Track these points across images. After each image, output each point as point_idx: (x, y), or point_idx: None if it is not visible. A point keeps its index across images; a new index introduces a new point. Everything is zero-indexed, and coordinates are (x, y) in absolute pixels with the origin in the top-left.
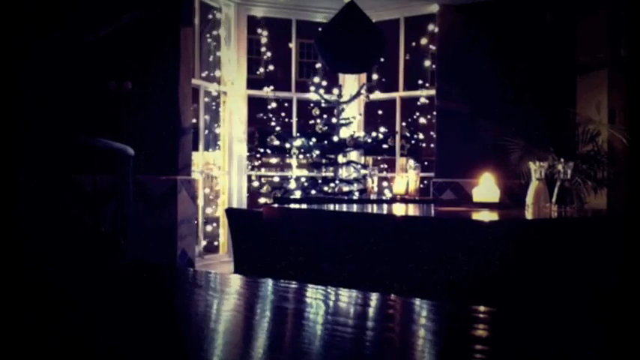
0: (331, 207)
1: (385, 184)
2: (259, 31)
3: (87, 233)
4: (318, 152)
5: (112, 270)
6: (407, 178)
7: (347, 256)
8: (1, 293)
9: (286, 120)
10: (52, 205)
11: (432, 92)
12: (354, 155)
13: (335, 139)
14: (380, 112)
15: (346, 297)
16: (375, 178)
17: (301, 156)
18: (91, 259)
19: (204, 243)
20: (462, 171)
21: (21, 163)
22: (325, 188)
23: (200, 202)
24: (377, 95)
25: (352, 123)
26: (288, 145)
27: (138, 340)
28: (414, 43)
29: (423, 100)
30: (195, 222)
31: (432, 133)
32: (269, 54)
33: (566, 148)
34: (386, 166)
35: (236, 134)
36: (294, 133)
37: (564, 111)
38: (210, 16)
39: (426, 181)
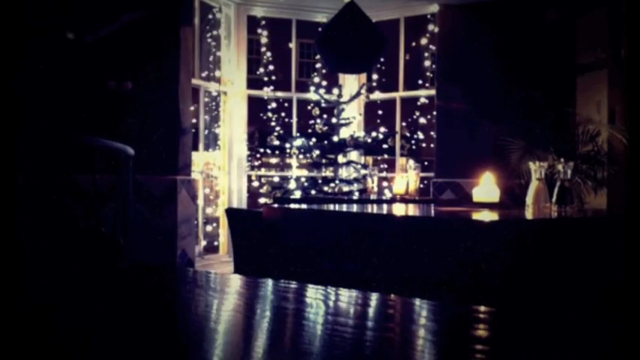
0: (331, 207)
1: (385, 184)
2: (259, 31)
3: (87, 233)
4: (318, 152)
5: (113, 271)
6: (407, 178)
7: (347, 256)
8: (1, 295)
9: (286, 120)
10: (52, 206)
11: (432, 92)
12: (354, 155)
13: (335, 139)
14: (380, 112)
15: (346, 297)
16: (375, 178)
17: (301, 156)
18: (91, 259)
19: (204, 243)
20: (462, 171)
21: (20, 163)
22: (325, 188)
23: (200, 202)
24: (377, 95)
25: (352, 123)
26: (288, 145)
27: (139, 340)
28: (414, 43)
29: (423, 100)
30: (195, 222)
31: (432, 133)
32: (269, 54)
33: (566, 148)
34: (386, 166)
35: (236, 134)
36: (294, 133)
37: (564, 111)
38: (211, 16)
39: (426, 181)
